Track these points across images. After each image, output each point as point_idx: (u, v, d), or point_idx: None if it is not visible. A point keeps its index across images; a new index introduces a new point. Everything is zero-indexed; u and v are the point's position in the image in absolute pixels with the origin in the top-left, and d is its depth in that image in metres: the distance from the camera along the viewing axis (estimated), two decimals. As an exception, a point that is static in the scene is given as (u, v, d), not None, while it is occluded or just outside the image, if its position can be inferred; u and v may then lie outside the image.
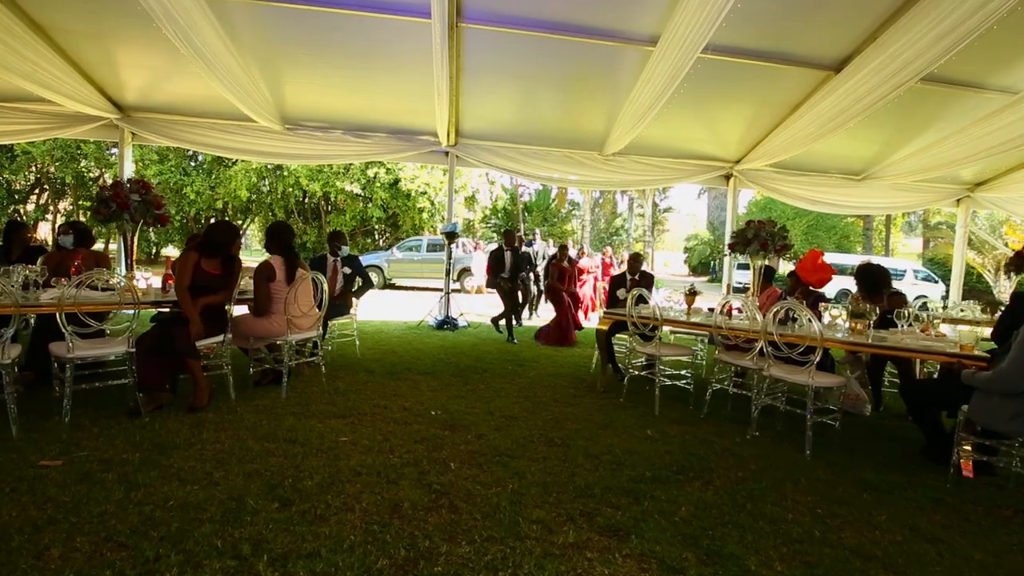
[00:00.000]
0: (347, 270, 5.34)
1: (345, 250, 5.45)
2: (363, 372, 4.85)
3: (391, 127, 7.81)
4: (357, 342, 5.58)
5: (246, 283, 4.20)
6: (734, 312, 4.23)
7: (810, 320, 3.29)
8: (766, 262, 4.60)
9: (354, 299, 5.51)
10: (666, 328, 4.38)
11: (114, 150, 17.47)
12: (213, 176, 19.30)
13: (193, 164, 19.73)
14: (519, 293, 8.02)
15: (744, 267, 25.43)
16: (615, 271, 13.68)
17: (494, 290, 8.35)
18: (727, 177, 8.79)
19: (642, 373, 4.48)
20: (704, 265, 34.56)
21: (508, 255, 7.69)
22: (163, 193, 19.06)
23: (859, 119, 5.91)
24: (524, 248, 10.19)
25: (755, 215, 28.32)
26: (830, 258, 21.71)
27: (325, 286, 4.14)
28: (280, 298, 3.89)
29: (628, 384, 4.42)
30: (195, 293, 3.61)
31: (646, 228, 29.92)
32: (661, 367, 4.12)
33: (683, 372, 4.38)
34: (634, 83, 6.01)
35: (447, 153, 8.09)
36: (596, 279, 10.54)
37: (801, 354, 3.33)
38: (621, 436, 3.47)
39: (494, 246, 9.54)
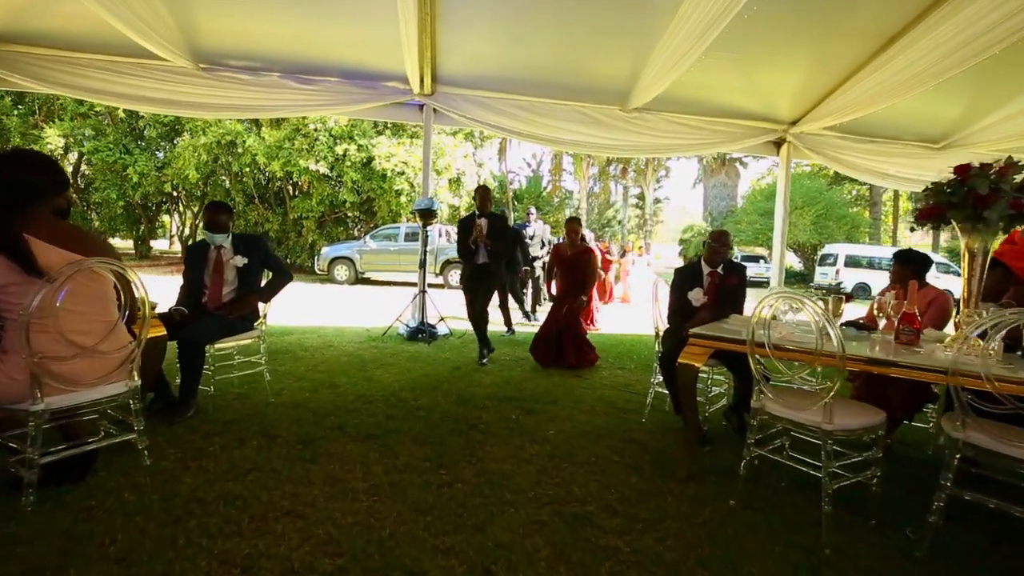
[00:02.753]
0: (241, 260, 3.15)
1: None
2: (258, 439, 2.70)
3: (346, 69, 5.65)
4: (267, 376, 3.43)
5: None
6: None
7: None
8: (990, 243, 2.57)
9: (261, 304, 3.35)
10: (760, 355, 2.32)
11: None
12: (160, 155, 16.76)
13: (138, 143, 17.15)
14: (507, 285, 5.34)
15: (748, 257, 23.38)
16: (616, 266, 11.68)
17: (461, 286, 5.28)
18: (778, 144, 6.90)
19: (765, 453, 2.38)
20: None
21: (483, 223, 4.93)
22: (102, 174, 16.95)
23: (991, 53, 3.98)
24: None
25: (760, 204, 26.30)
26: (847, 250, 19.87)
27: (142, 291, 1.98)
28: (15, 321, 1.73)
29: (712, 450, 2.33)
30: None
31: (646, 217, 27.93)
32: (829, 445, 2.04)
33: (862, 456, 2.27)
34: (679, 3, 4.04)
35: (422, 107, 6.06)
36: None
37: None
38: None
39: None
